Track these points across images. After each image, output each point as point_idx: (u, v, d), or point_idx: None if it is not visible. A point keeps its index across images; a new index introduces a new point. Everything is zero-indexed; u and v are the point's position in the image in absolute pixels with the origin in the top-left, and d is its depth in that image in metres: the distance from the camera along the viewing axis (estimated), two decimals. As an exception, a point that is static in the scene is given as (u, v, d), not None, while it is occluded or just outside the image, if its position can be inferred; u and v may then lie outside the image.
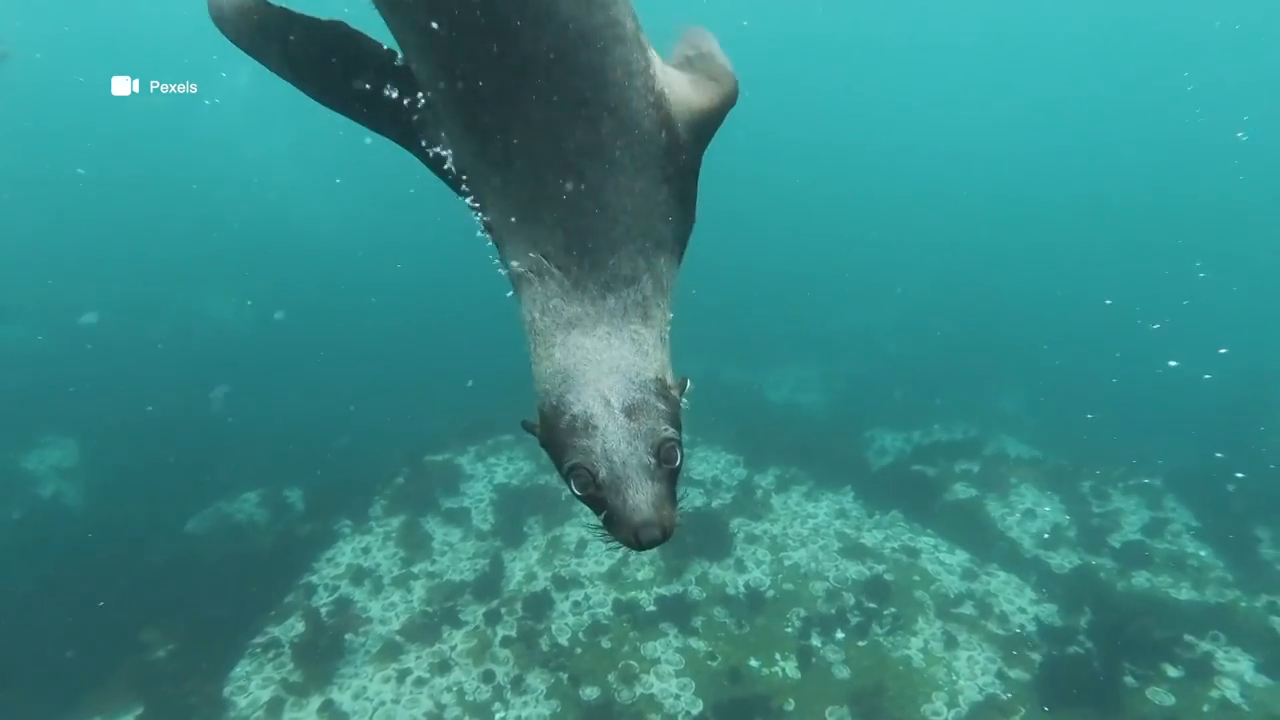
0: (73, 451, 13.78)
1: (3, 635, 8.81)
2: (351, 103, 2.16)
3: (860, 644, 8.93)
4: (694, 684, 8.38)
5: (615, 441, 1.84)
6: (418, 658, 8.72)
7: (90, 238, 23.95)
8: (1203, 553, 10.48)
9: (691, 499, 11.37)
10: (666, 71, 2.18)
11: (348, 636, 8.90)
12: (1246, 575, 9.95)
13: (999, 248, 27.78)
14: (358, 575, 9.99)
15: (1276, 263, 25.49)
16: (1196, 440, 13.04)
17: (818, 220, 30.75)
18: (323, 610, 9.34)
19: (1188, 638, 8.76)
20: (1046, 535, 10.95)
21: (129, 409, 14.57)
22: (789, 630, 9.09)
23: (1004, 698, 8.24)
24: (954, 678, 8.52)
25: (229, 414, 14.70)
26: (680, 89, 2.17)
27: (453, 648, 8.82)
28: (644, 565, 9.80)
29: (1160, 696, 8.13)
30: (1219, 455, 12.03)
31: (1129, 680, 8.32)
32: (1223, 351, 15.00)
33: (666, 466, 1.87)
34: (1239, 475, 11.46)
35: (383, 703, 8.17)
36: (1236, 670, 8.37)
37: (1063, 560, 10.46)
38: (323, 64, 2.12)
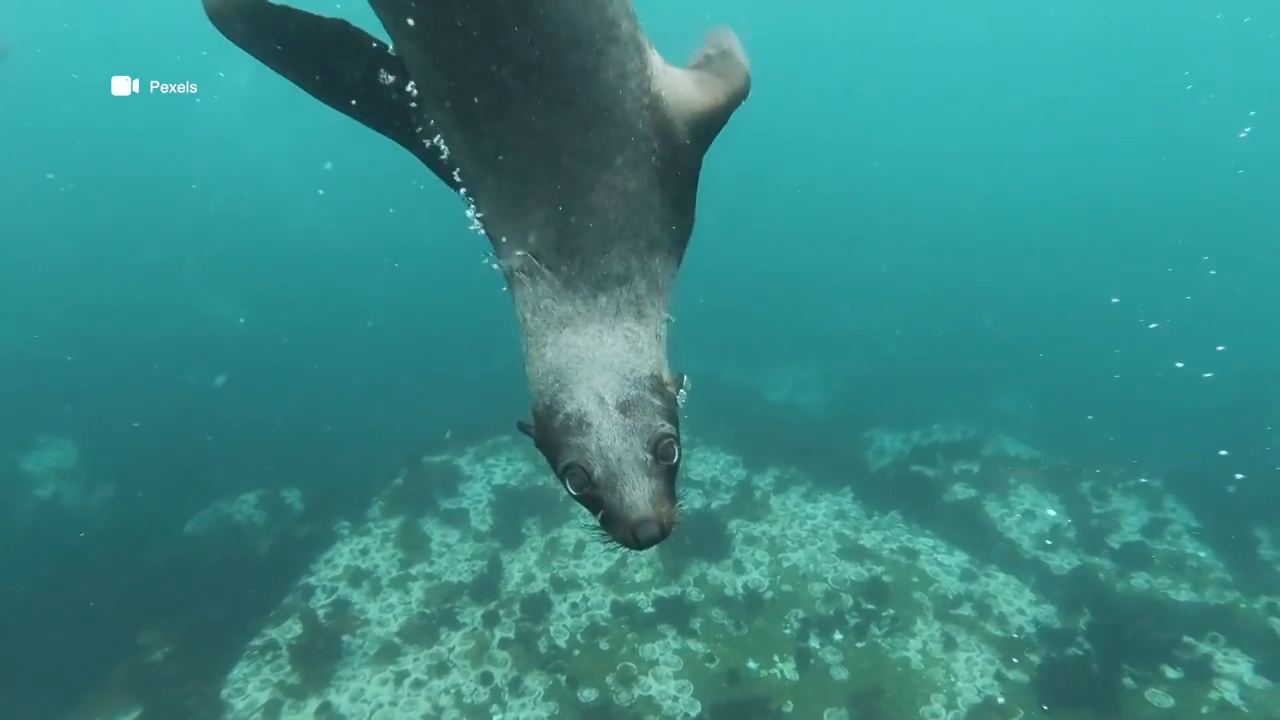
0: (71, 452, 13.77)
1: (1, 636, 8.81)
2: (349, 99, 2.17)
3: (859, 645, 8.92)
4: (692, 686, 8.37)
5: (610, 438, 1.83)
6: (416, 660, 8.70)
7: (89, 238, 23.93)
8: (1202, 554, 10.46)
9: (690, 500, 11.35)
10: (668, 72, 2.17)
11: (345, 638, 8.89)
12: (1246, 576, 9.93)
13: (998, 248, 27.75)
14: (356, 577, 9.98)
15: (1277, 262, 25.46)
16: (1197, 440, 13.01)
17: (817, 220, 30.74)
18: (320, 612, 9.33)
19: (1187, 639, 8.74)
20: (1048, 541, 10.92)
21: (128, 410, 14.53)
22: (787, 632, 9.08)
23: (1001, 700, 8.22)
24: (952, 679, 8.50)
25: (228, 408, 14.65)
26: (682, 89, 2.17)
27: (451, 649, 8.81)
28: (642, 567, 9.79)
29: (1159, 698, 8.11)
30: (1223, 453, 12.00)
31: (1128, 682, 8.31)
32: (1220, 349, 14.96)
33: (664, 463, 1.86)
34: (1239, 476, 11.44)
35: (380, 705, 8.16)
36: (1236, 672, 8.36)
37: (1062, 561, 10.44)
38: (321, 61, 2.13)
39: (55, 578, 9.74)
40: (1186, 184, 34.14)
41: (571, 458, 1.84)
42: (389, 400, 15.01)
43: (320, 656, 8.59)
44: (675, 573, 9.84)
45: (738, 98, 2.34)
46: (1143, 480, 11.97)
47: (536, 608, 9.31)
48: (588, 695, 8.24)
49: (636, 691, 8.29)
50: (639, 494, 1.79)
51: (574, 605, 9.40)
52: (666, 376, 2.06)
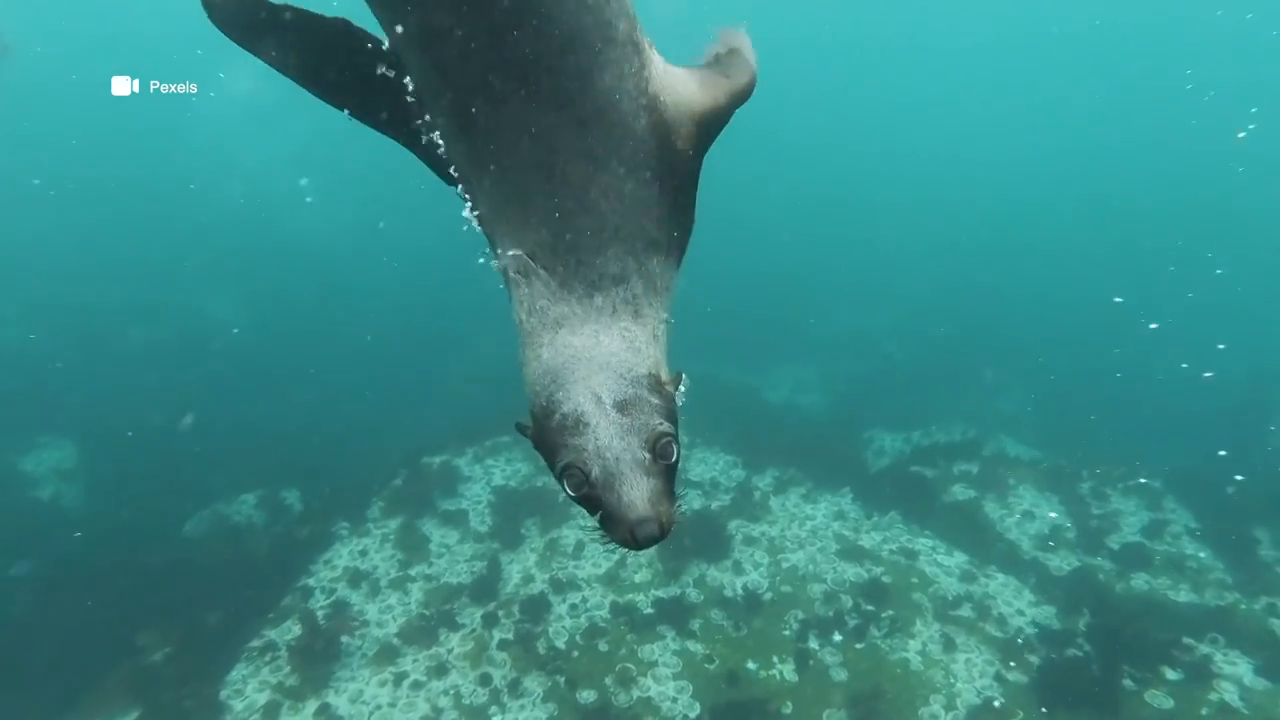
0: (71, 453, 13.76)
1: (0, 637, 8.79)
2: (349, 98, 2.18)
3: (858, 646, 8.91)
4: (691, 687, 8.36)
5: (607, 438, 1.82)
6: (414, 661, 8.69)
7: (89, 240, 23.94)
8: (1202, 554, 10.46)
9: (689, 500, 11.34)
10: (669, 72, 2.17)
11: (344, 639, 8.88)
12: (1246, 577, 9.93)
13: (998, 248, 27.77)
14: (355, 578, 9.97)
15: (1277, 262, 25.45)
16: (1196, 441, 13.01)
17: (817, 221, 30.77)
18: (319, 613, 9.32)
19: (1187, 640, 8.74)
20: (1048, 542, 10.92)
21: (127, 411, 14.54)
22: (787, 633, 9.07)
23: (1000, 701, 8.22)
24: (952, 680, 8.50)
25: (227, 409, 14.63)
26: (682, 89, 2.16)
27: (450, 651, 8.80)
28: (641, 567, 9.78)
29: (1159, 700, 8.10)
30: (1222, 453, 12.00)
31: (1128, 683, 8.30)
32: (1221, 347, 14.96)
33: (662, 462, 1.85)
34: (1238, 478, 11.44)
35: (379, 706, 8.15)
36: (1235, 673, 8.35)
37: (1061, 562, 10.43)
38: (321, 59, 2.14)
39: (54, 579, 9.72)
40: (1187, 183, 34.15)
41: (569, 458, 1.83)
42: (388, 401, 15.01)
43: (319, 658, 8.58)
44: (674, 574, 9.83)
45: (740, 97, 2.33)
46: (1142, 481, 11.97)
47: (536, 609, 9.30)
48: (587, 696, 8.24)
49: (635, 693, 8.28)
50: (637, 493, 1.78)
51: (573, 606, 9.39)
52: (665, 375, 2.05)
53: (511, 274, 2.09)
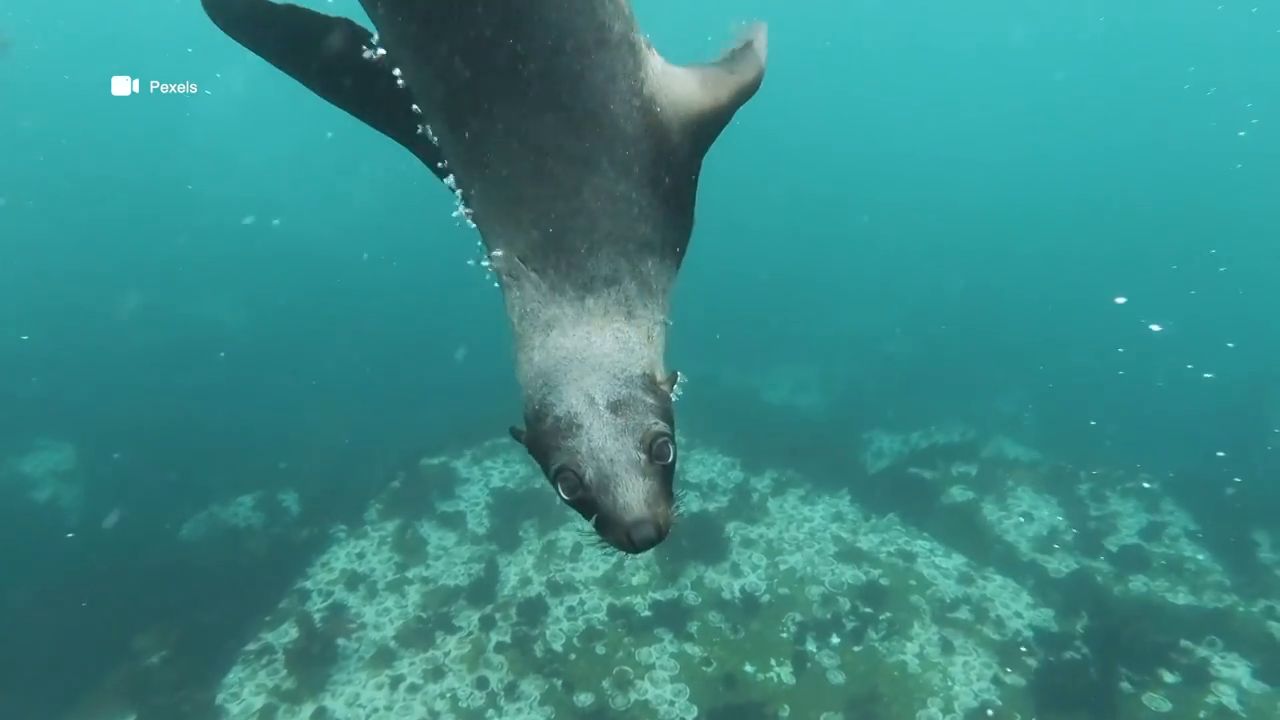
0: (70, 455, 13.76)
1: (-3, 640, 8.80)
2: (349, 97, 2.21)
3: (856, 649, 8.89)
4: (688, 690, 8.35)
5: (601, 439, 1.79)
6: (411, 664, 8.68)
7: (88, 242, 23.94)
8: (1200, 557, 10.44)
9: (687, 502, 11.32)
10: (668, 73, 2.15)
11: (341, 642, 8.87)
12: (1244, 580, 9.91)
13: (997, 250, 27.74)
14: (352, 580, 9.96)
15: (1276, 265, 25.41)
16: (1195, 443, 12.99)
17: (816, 223, 30.76)
18: (316, 616, 9.31)
19: (1185, 643, 8.73)
20: (1046, 544, 10.90)
21: (126, 412, 14.54)
22: (784, 635, 9.06)
23: (998, 704, 8.20)
24: (950, 683, 8.48)
25: (226, 411, 14.61)
26: (681, 90, 2.14)
27: (446, 654, 8.79)
28: (639, 570, 9.77)
29: (1157, 703, 8.09)
30: (1221, 454, 11.98)
31: (1125, 686, 8.29)
32: (1230, 346, 14.93)
33: (659, 462, 1.82)
34: (1237, 479, 11.42)
35: (376, 710, 8.14)
36: (1233, 676, 8.34)
37: (1060, 564, 10.42)
38: (322, 58, 2.16)
39: (51, 581, 9.70)
40: (1189, 183, 34.08)
41: (562, 461, 1.80)
42: (387, 402, 15.00)
43: (316, 661, 8.57)
44: (672, 576, 9.82)
45: (744, 93, 2.31)
46: (1141, 483, 11.96)
47: (533, 611, 9.29)
48: (584, 700, 8.23)
49: (633, 696, 8.27)
50: (633, 495, 1.75)
51: (570, 609, 9.38)
52: (660, 375, 2.03)
53: (504, 276, 2.09)
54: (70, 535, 11.15)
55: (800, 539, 10.71)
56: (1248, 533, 10.69)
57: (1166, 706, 8.04)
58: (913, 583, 9.93)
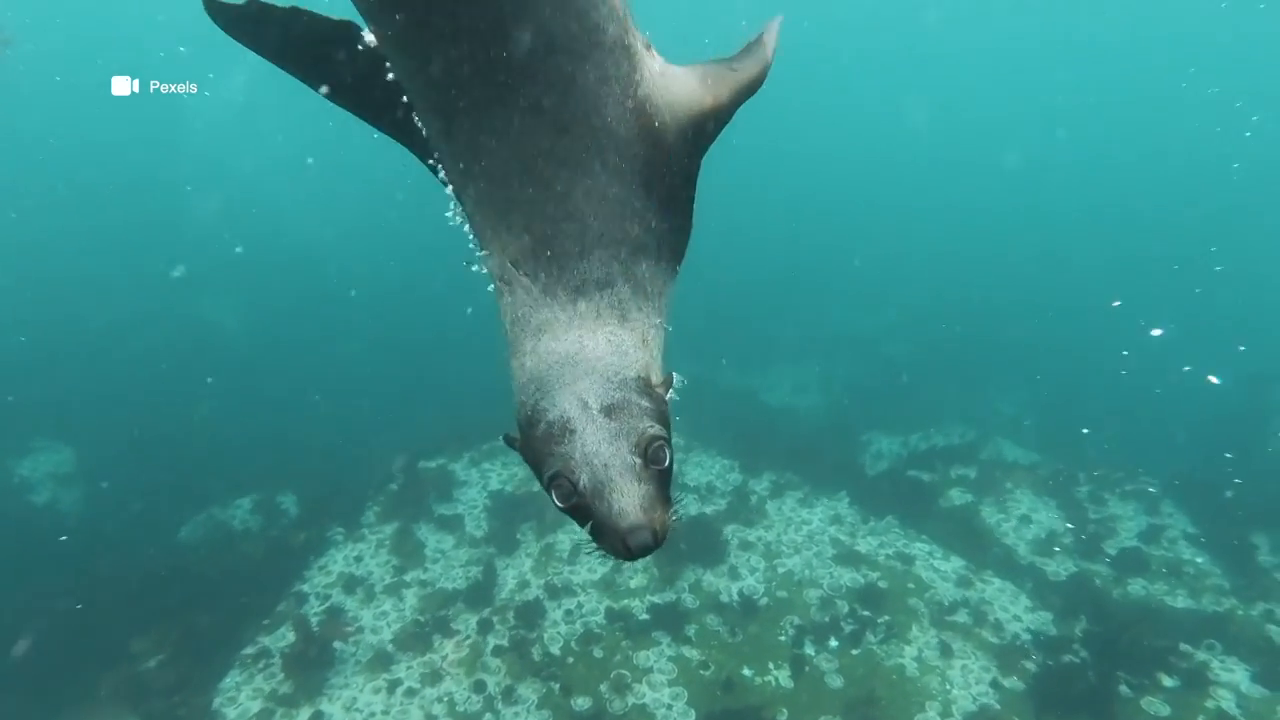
0: (69, 458, 13.75)
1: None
2: (351, 98, 2.23)
3: (854, 652, 8.88)
4: (686, 694, 8.33)
5: (595, 444, 1.76)
6: (409, 668, 8.67)
7: (87, 244, 23.94)
8: (1199, 560, 10.42)
9: (686, 505, 11.31)
10: (666, 73, 2.13)
11: (338, 646, 8.86)
12: (1243, 583, 9.89)
13: (997, 252, 27.71)
14: (350, 583, 9.95)
15: (1274, 267, 25.35)
16: (1195, 445, 12.97)
17: (816, 225, 30.70)
18: (314, 619, 9.30)
19: (1184, 647, 8.71)
20: (1045, 546, 10.87)
21: (125, 414, 14.55)
22: (782, 638, 9.04)
23: (997, 708, 8.18)
24: (948, 687, 8.46)
25: (225, 413, 14.61)
26: (680, 90, 2.13)
27: (444, 657, 8.78)
28: (637, 573, 9.75)
29: (1155, 707, 8.07)
30: (1228, 456, 11.94)
31: (1124, 690, 8.27)
32: (1241, 349, 14.88)
33: (654, 467, 1.79)
34: (1238, 481, 11.39)
35: (373, 714, 8.12)
36: (1232, 680, 8.32)
37: (1058, 567, 10.40)
38: (324, 59, 2.18)
39: (49, 584, 9.69)
40: (1189, 184, 34.01)
41: (556, 467, 1.77)
42: (385, 404, 14.99)
43: (313, 664, 8.56)
44: (670, 579, 9.81)
45: (744, 92, 2.28)
46: (1140, 485, 11.93)
47: (531, 615, 9.28)
48: (581, 703, 8.21)
49: (630, 699, 8.25)
50: (628, 500, 1.71)
51: (568, 612, 9.36)
52: (656, 378, 2.00)
53: (497, 282, 2.08)
54: (66, 538, 11.12)
55: (798, 542, 10.69)
56: (1247, 536, 10.67)
57: (1165, 711, 8.02)
58: (911, 586, 9.92)
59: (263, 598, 9.69)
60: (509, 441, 2.05)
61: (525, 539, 10.65)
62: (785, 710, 8.16)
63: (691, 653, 8.83)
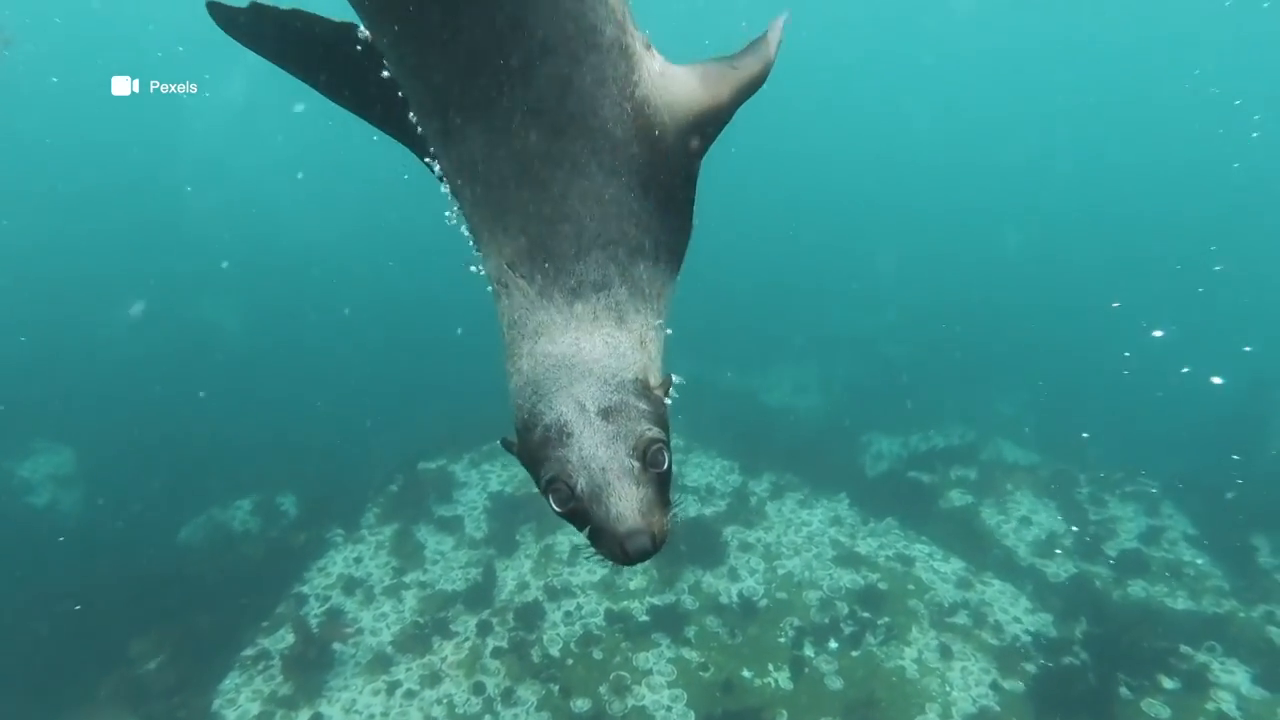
0: (69, 459, 13.76)
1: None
2: (355, 99, 2.25)
3: (853, 654, 8.87)
4: (686, 695, 8.33)
5: (592, 447, 1.75)
6: (408, 669, 8.67)
7: (87, 245, 23.94)
8: (1200, 561, 10.40)
9: (685, 506, 11.30)
10: (667, 73, 2.12)
11: (338, 648, 8.86)
12: (1244, 584, 9.88)
13: (997, 253, 27.70)
14: (349, 585, 9.95)
15: (1275, 268, 25.31)
16: (1195, 447, 12.95)
17: (816, 226, 30.69)
18: (313, 621, 9.30)
19: (1184, 648, 8.70)
20: (1045, 548, 10.86)
21: (125, 416, 14.56)
22: (782, 640, 9.03)
23: (997, 710, 8.17)
24: (948, 689, 8.45)
25: (226, 415, 14.60)
26: (679, 90, 2.11)
27: (443, 659, 8.77)
28: (636, 574, 9.75)
29: (1155, 709, 8.06)
30: (1236, 458, 11.89)
31: (1124, 692, 8.26)
32: (1247, 349, 14.84)
33: (653, 470, 1.77)
34: (1239, 481, 11.36)
35: (372, 716, 8.12)
36: (1233, 682, 8.30)
37: (1059, 569, 10.39)
38: (328, 61, 2.21)
39: (48, 586, 9.69)
40: (1191, 185, 33.96)
41: (553, 471, 1.76)
42: (385, 406, 14.98)
43: (312, 666, 8.55)
44: (669, 581, 9.80)
45: (745, 90, 2.26)
46: (1141, 487, 11.92)
47: (530, 616, 9.27)
48: (581, 705, 8.21)
49: (630, 701, 8.24)
50: (626, 505, 1.70)
51: (568, 614, 9.36)
52: (654, 380, 1.99)
53: (495, 285, 2.07)
54: (65, 539, 11.13)
55: (798, 543, 10.68)
56: (1247, 537, 10.65)
57: (1166, 713, 8.01)
58: (911, 587, 9.91)
59: (262, 599, 9.68)
60: (506, 445, 2.04)
61: (525, 540, 10.65)
62: (785, 712, 8.15)
63: (691, 654, 8.82)
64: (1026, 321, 20.18)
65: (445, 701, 8.26)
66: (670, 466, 1.84)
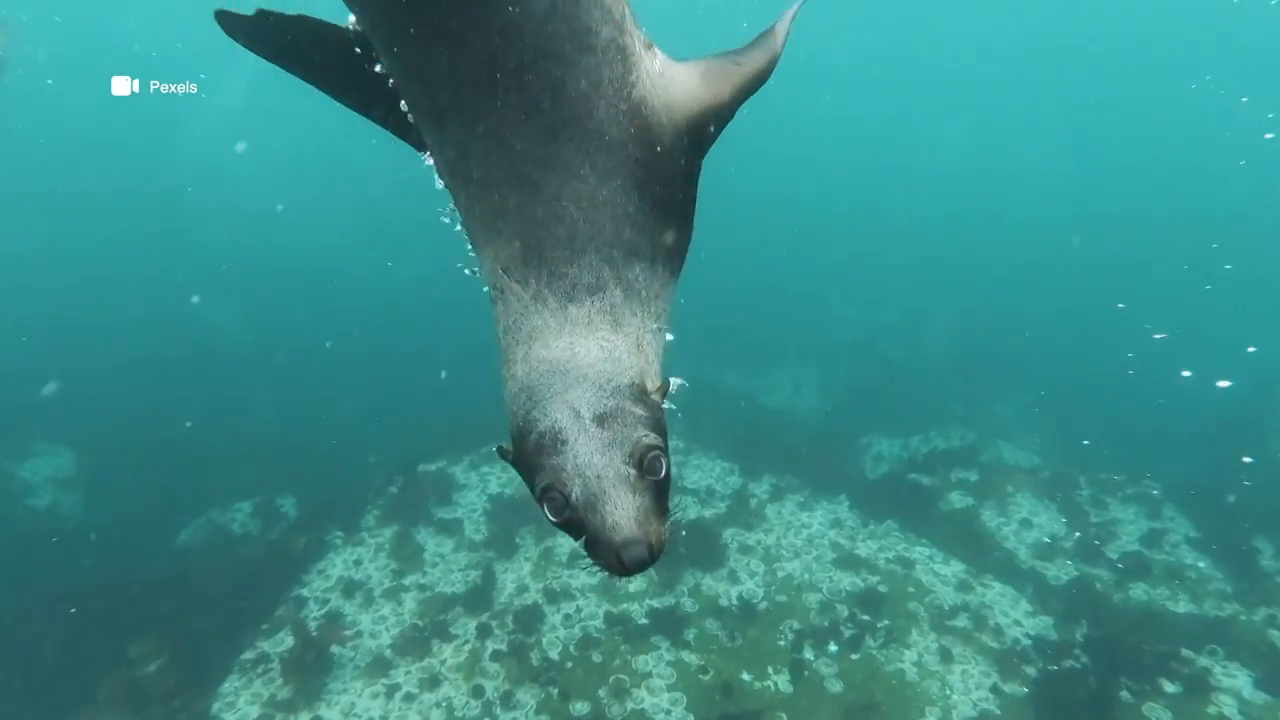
0: (69, 461, 13.76)
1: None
2: (357, 100, 2.27)
3: (853, 657, 8.85)
4: (685, 698, 8.31)
5: (587, 454, 1.71)
6: (407, 673, 8.66)
7: (87, 247, 23.97)
8: (1201, 564, 10.37)
9: (685, 509, 11.28)
10: (666, 73, 2.09)
11: (337, 651, 8.85)
12: (1246, 587, 9.84)
13: (998, 255, 27.65)
14: (349, 588, 9.94)
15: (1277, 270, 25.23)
16: (1197, 449, 12.91)
17: (817, 228, 30.69)
18: (313, 624, 9.29)
19: (1185, 652, 8.66)
20: (1046, 550, 10.83)
21: (126, 418, 14.57)
22: (781, 643, 9.01)
23: (997, 713, 8.15)
24: (948, 692, 8.43)
25: (226, 417, 14.60)
26: (680, 89, 2.08)
27: (442, 662, 8.77)
28: (636, 577, 9.69)
29: (1157, 713, 8.03)
30: (1247, 460, 11.82)
31: (1125, 696, 8.23)
32: (1252, 350, 14.79)
33: (650, 477, 1.74)
34: (1247, 484, 11.31)
35: (371, 719, 8.11)
36: (1234, 686, 8.27)
37: (1059, 571, 10.36)
38: (330, 65, 2.23)
39: (47, 589, 9.69)
40: (1193, 186, 33.87)
41: (548, 479, 1.73)
42: (385, 407, 14.98)
43: (311, 669, 8.55)
44: (669, 583, 9.79)
45: (749, 86, 2.22)
46: (1142, 489, 11.88)
47: (529, 619, 9.26)
48: (580, 708, 8.19)
49: (629, 704, 8.23)
50: (622, 513, 1.67)
51: (567, 616, 9.34)
52: (652, 385, 1.96)
53: (490, 290, 2.06)
54: (65, 541, 11.13)
55: (798, 545, 10.66)
56: (1249, 540, 10.61)
57: (1167, 717, 7.98)
58: (911, 590, 9.88)
59: (262, 602, 9.68)
60: (502, 454, 2.00)
61: (524, 543, 10.63)
62: (784, 715, 8.14)
63: (690, 657, 8.80)
64: (1027, 323, 20.15)
65: (444, 705, 8.25)
66: (668, 474, 1.81)
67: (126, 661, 8.65)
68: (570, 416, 1.78)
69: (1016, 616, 9.50)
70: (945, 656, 8.86)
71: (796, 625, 9.23)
